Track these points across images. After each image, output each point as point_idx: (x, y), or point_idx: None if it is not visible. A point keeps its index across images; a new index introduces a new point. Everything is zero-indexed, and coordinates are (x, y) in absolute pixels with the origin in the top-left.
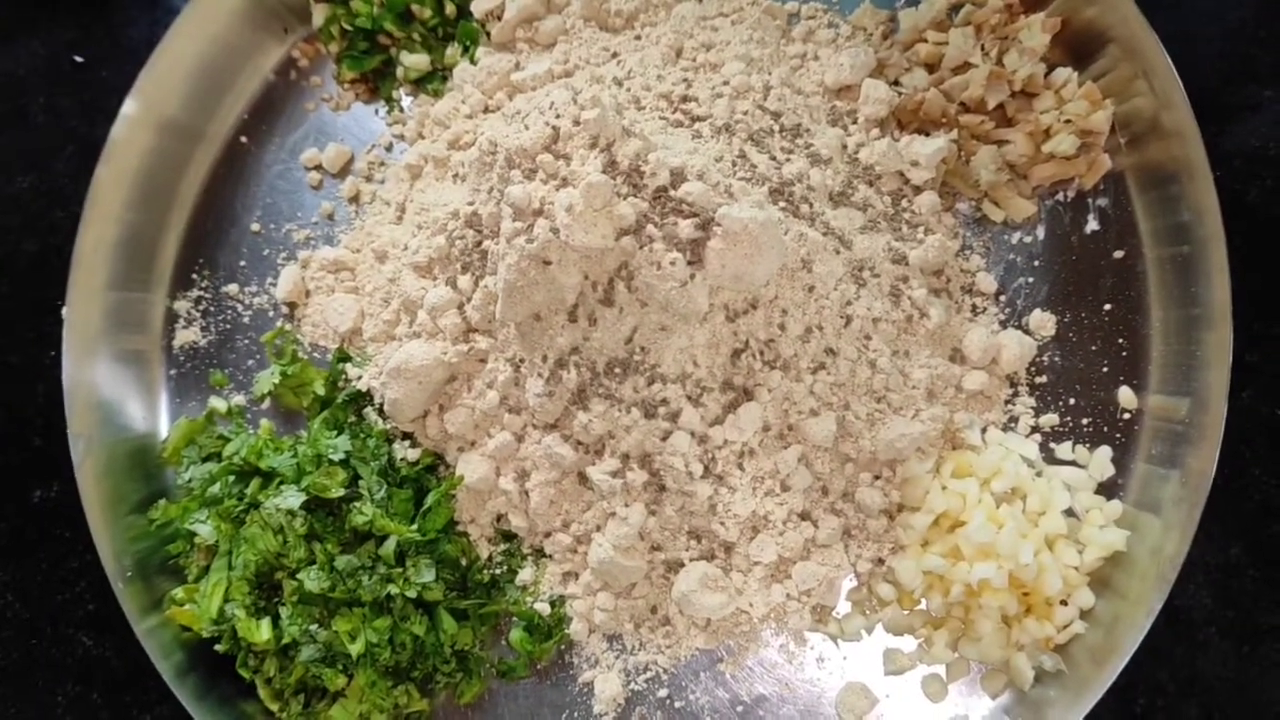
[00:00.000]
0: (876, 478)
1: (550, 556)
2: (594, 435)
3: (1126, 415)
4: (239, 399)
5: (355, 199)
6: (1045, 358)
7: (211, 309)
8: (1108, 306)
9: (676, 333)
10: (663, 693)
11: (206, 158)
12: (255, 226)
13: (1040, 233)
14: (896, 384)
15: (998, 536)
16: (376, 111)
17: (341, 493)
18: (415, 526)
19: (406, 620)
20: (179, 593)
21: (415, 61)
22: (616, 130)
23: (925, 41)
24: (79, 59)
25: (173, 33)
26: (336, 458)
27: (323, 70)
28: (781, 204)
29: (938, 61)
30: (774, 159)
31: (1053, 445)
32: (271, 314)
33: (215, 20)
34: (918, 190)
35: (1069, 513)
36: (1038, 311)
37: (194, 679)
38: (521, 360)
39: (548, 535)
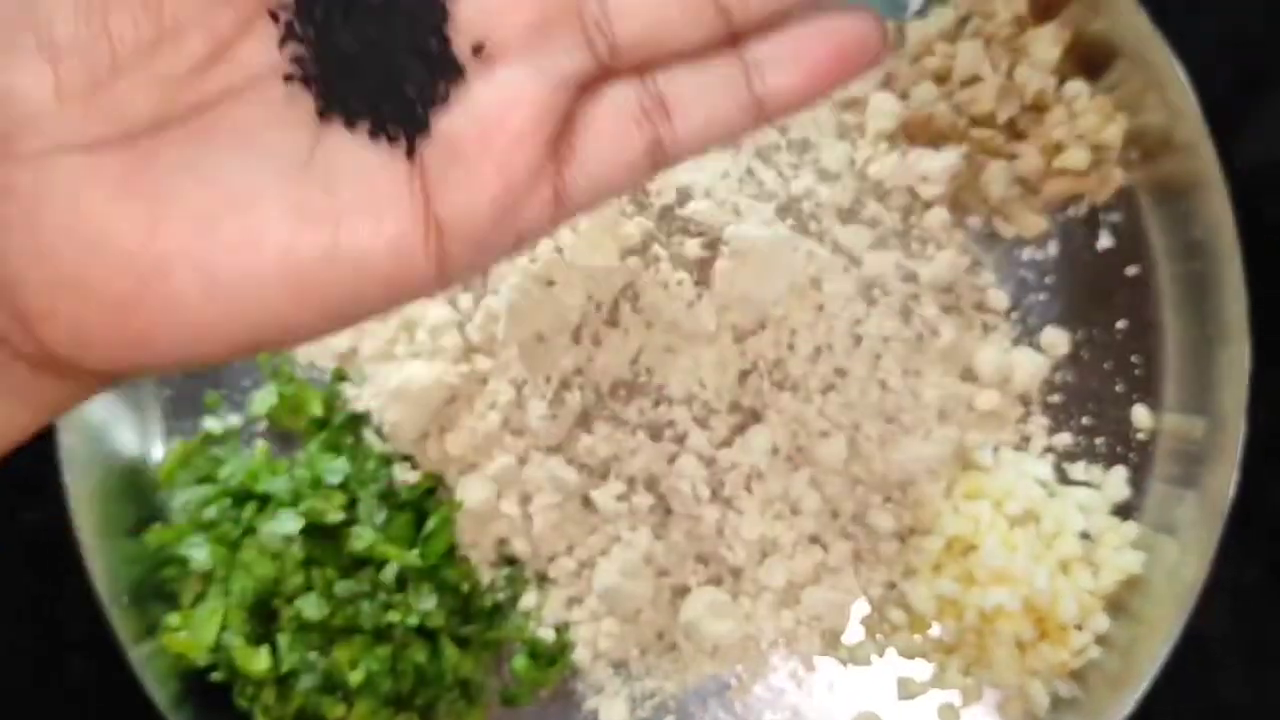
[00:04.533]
0: (887, 500)
1: (554, 581)
2: (598, 458)
3: (1141, 435)
4: (234, 419)
5: None
6: (1058, 376)
7: None
8: (1121, 324)
9: (683, 353)
10: None
11: None
12: None
13: (1052, 249)
14: (908, 404)
15: (1012, 560)
16: None
17: (340, 517)
18: (416, 551)
19: (407, 648)
20: (174, 619)
21: None
22: None
23: (934, 54)
24: None
25: None
26: (334, 481)
27: None
28: (789, 221)
29: (947, 74)
30: (781, 175)
31: (1066, 466)
32: None
33: None
34: (927, 206)
35: (1084, 535)
36: (1050, 329)
37: (190, 708)
38: (524, 382)
39: (551, 560)
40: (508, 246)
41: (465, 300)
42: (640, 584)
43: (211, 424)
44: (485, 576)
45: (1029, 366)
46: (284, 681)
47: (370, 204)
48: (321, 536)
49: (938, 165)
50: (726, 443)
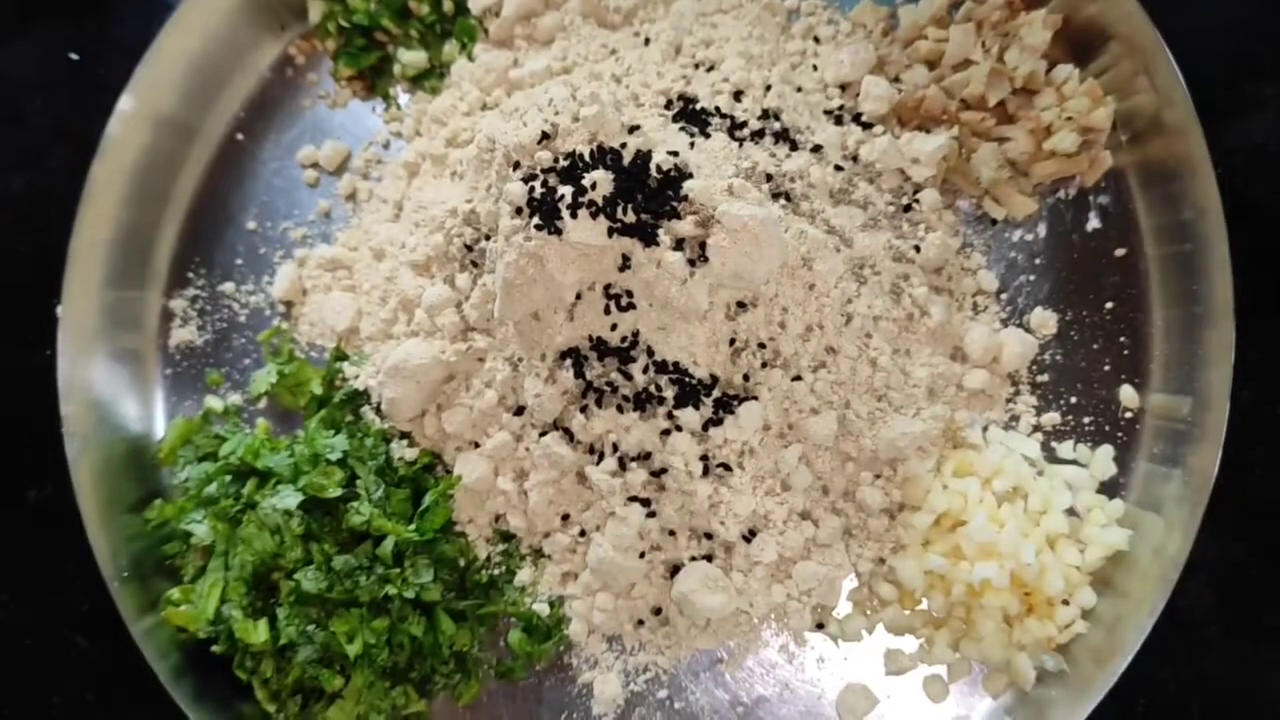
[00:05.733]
0: (877, 476)
1: (549, 557)
2: (593, 435)
3: (1128, 414)
4: (235, 398)
5: (352, 197)
6: (1047, 356)
7: (208, 308)
8: (1109, 304)
9: (676, 331)
10: (662, 693)
11: (203, 155)
12: (252, 224)
13: (1041, 230)
14: (897, 382)
15: (999, 536)
16: (374, 109)
17: (339, 492)
18: (413, 526)
19: (404, 621)
20: (175, 593)
21: (413, 58)
22: (616, 127)
23: (926, 38)
24: (74, 56)
25: (168, 29)
26: (333, 457)
27: (319, 67)
28: (782, 201)
29: (938, 58)
30: (774, 156)
31: (1054, 444)
32: (268, 313)
33: (211, 17)
34: (918, 188)
35: (1070, 512)
36: (1039, 310)
37: (190, 680)
38: (520, 359)
39: (546, 535)
40: None
41: (463, 279)
42: (634, 559)
43: (213, 402)
44: (481, 551)
45: (1018, 346)
46: (283, 653)
47: None
48: (320, 511)
49: (928, 147)
50: (718, 420)
